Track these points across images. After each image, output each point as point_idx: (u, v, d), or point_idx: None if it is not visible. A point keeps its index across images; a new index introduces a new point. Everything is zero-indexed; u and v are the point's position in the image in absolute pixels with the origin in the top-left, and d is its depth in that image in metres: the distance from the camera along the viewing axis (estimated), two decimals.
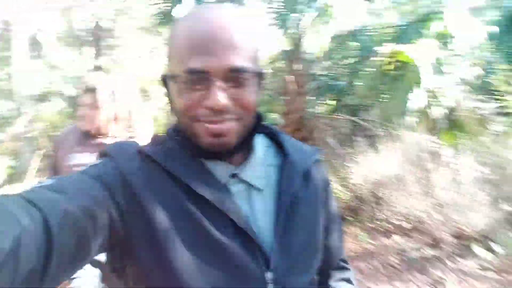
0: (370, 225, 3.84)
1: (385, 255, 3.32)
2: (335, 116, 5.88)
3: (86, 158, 1.57)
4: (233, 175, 0.60)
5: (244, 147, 0.61)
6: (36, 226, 0.41)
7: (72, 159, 1.59)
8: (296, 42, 5.32)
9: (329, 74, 5.93)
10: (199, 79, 0.53)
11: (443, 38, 3.51)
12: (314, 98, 6.20)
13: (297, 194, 0.62)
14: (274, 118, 8.93)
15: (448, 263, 3.05)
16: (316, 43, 5.11)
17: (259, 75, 0.58)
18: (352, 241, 3.62)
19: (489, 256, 3.01)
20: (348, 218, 3.98)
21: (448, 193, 3.60)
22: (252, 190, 0.61)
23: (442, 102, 3.60)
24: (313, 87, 6.07)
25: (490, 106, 3.98)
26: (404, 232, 3.60)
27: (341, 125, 5.65)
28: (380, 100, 4.09)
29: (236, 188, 0.60)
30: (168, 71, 0.58)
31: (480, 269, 2.92)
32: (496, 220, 3.34)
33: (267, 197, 0.62)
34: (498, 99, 4.02)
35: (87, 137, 1.61)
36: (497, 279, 2.77)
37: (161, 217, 0.53)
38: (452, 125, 4.19)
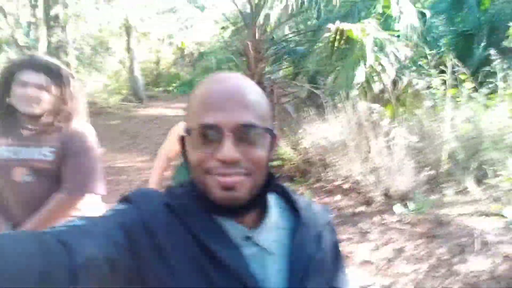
0: (315, 185, 4.35)
1: None
2: (292, 83, 6.19)
3: (15, 152, 1.47)
4: (247, 237, 0.62)
5: (256, 205, 0.63)
6: (63, 267, 0.44)
7: None
8: (257, 7, 5.44)
9: (288, 39, 6.15)
10: (212, 133, 0.57)
11: (386, 19, 3.87)
12: (273, 63, 6.44)
13: (310, 257, 0.64)
14: None
15: (375, 218, 3.63)
16: (275, 11, 5.27)
17: (271, 134, 0.61)
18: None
19: (406, 212, 3.61)
20: (296, 179, 4.47)
21: (383, 158, 4.15)
22: (265, 254, 0.62)
23: (382, 78, 4.03)
24: (272, 52, 6.29)
25: (423, 83, 4.49)
26: (343, 192, 4.14)
27: (297, 91, 5.99)
28: (330, 72, 4.47)
29: (249, 250, 0.61)
30: (185, 128, 0.62)
31: (399, 223, 3.52)
32: (417, 182, 3.95)
33: (280, 261, 0.63)
34: (430, 76, 4.52)
35: (18, 125, 1.48)
36: (410, 231, 3.38)
37: (178, 271, 0.55)
38: (391, 98, 4.70)
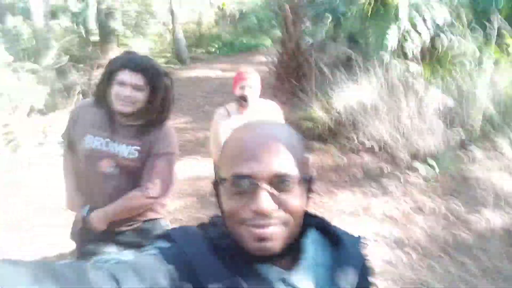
0: (346, 146, 4.58)
1: (352, 169, 4.11)
2: (330, 45, 6.22)
3: (105, 144, 1.54)
4: (284, 280, 0.61)
5: (291, 251, 0.62)
6: None
7: (89, 142, 1.55)
8: None
9: (325, 2, 6.12)
10: (246, 184, 0.56)
11: None
12: (312, 25, 6.47)
13: None
14: (265, 45, 9.06)
15: (400, 176, 3.83)
16: None
17: (306, 181, 0.60)
18: (328, 157, 4.40)
19: (431, 171, 3.78)
20: (327, 139, 4.71)
21: (413, 120, 4.25)
22: None
23: (417, 40, 4.03)
24: (310, 14, 6.31)
25: (462, 46, 4.41)
26: (371, 152, 4.33)
27: (334, 53, 6.04)
28: (366, 35, 4.50)
29: None
30: (218, 176, 0.62)
31: (423, 181, 3.71)
32: (446, 143, 4.05)
33: None
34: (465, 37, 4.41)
35: (112, 119, 1.54)
36: (433, 188, 3.57)
37: None
38: (429, 60, 4.67)
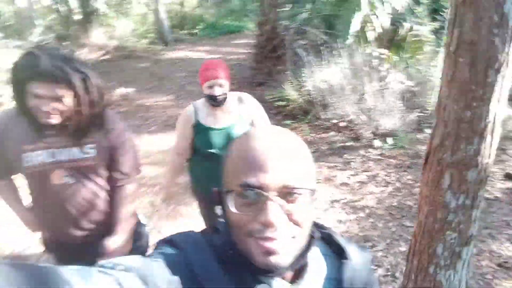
0: (315, 123, 4.95)
1: (320, 144, 4.50)
2: (304, 29, 6.51)
3: (51, 155, 1.40)
4: None
5: (297, 264, 0.60)
6: None
7: (29, 160, 1.39)
8: None
9: None
10: (254, 195, 0.54)
11: None
12: (287, 10, 6.72)
13: None
14: (248, 28, 9.28)
15: (360, 151, 4.24)
16: None
17: (312, 192, 0.58)
18: (298, 133, 4.77)
19: (386, 146, 4.19)
20: (298, 117, 5.08)
21: (375, 100, 4.64)
22: None
23: (379, 25, 4.37)
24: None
25: (423, 30, 4.78)
26: (338, 129, 4.72)
27: (308, 37, 6.33)
28: (332, 21, 4.82)
29: None
30: (224, 186, 0.60)
31: (380, 155, 4.12)
32: (404, 122, 4.46)
33: None
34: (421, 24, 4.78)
35: (46, 128, 1.36)
36: (388, 162, 3.99)
37: None
38: (392, 44, 5.04)
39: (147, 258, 0.57)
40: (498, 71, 1.18)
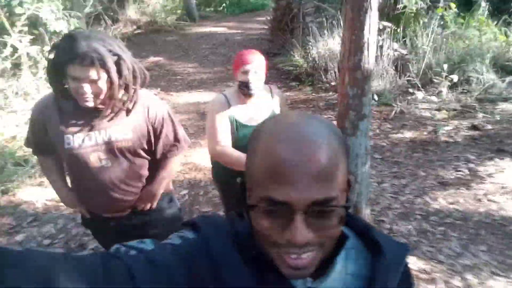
0: (317, 85, 5.72)
1: (318, 101, 5.29)
2: (314, 3, 7.16)
3: (88, 138, 1.43)
4: None
5: (324, 265, 0.57)
6: None
7: (70, 142, 1.42)
8: None
9: None
10: (281, 210, 0.49)
11: None
12: None
13: None
14: (271, 5, 9.96)
15: None
16: None
17: (345, 206, 0.52)
18: (302, 93, 5.56)
19: (373, 103, 4.93)
20: (303, 80, 5.86)
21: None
22: None
23: None
24: None
25: (418, 5, 5.38)
26: (335, 90, 5.45)
27: (318, 11, 6.99)
28: None
29: None
30: (248, 190, 0.55)
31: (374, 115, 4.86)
32: (394, 85, 5.15)
33: None
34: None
35: (84, 110, 1.38)
36: (374, 114, 4.73)
37: None
38: (392, 16, 5.67)
39: (162, 242, 0.57)
40: (365, 12, 1.99)
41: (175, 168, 1.73)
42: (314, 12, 7.09)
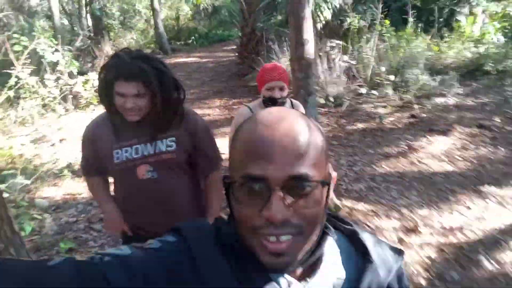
0: None
1: None
2: (277, 28, 8.23)
3: (135, 152, 1.48)
4: None
5: (309, 262, 0.56)
6: None
7: (119, 156, 1.48)
8: None
9: None
10: (258, 186, 0.50)
11: None
12: (263, 15, 8.47)
13: None
14: (236, 35, 11.03)
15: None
16: None
17: (324, 184, 0.52)
18: None
19: (329, 104, 5.86)
20: None
21: (327, 75, 6.30)
22: None
23: (322, 19, 6.08)
24: (262, 6, 8.29)
25: (361, 23, 6.49)
26: None
27: (279, 34, 8.05)
28: None
29: None
30: (231, 183, 0.54)
31: (327, 110, 5.77)
32: (347, 90, 6.12)
33: None
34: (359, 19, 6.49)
35: (131, 124, 1.44)
36: (331, 113, 5.63)
37: None
38: (340, 35, 6.76)
39: (141, 247, 0.55)
40: (303, 19, 2.88)
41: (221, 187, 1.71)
42: (275, 35, 8.15)
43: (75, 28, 11.45)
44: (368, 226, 2.99)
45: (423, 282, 2.34)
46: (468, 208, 3.12)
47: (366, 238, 0.63)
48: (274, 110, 0.56)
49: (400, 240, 2.77)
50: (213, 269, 0.53)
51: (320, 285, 0.57)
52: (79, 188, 3.82)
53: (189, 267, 0.53)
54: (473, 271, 2.40)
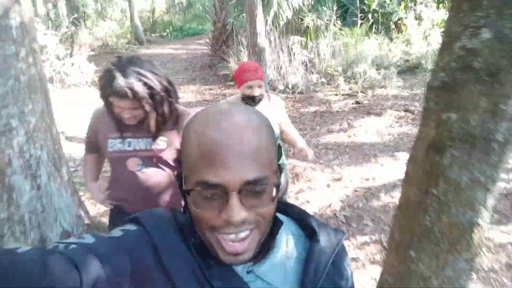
0: None
1: None
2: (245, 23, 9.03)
3: (128, 144, 1.61)
4: (251, 271, 0.60)
5: (265, 247, 0.59)
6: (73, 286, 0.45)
7: (112, 146, 1.61)
8: None
9: None
10: (216, 192, 0.51)
11: None
12: (233, 11, 9.26)
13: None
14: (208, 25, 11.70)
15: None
16: None
17: (276, 185, 0.55)
18: (235, 88, 7.28)
19: (289, 91, 6.77)
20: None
21: (288, 67, 7.21)
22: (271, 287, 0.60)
23: (284, 18, 6.98)
24: (232, 3, 9.08)
25: (317, 22, 7.44)
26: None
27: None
28: None
29: (255, 285, 0.59)
30: (184, 178, 0.56)
31: (287, 96, 6.67)
32: (304, 80, 7.05)
33: None
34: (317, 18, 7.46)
35: (124, 125, 1.57)
36: (291, 99, 6.53)
37: None
38: (301, 31, 7.69)
39: (103, 236, 0.56)
40: (256, 15, 3.73)
41: None
42: (244, 29, 8.97)
43: (52, 16, 11.78)
44: (307, 177, 3.90)
45: (338, 208, 3.28)
46: (382, 165, 4.10)
47: (313, 221, 0.67)
48: (224, 109, 0.55)
49: (328, 185, 3.70)
50: (173, 254, 0.55)
51: (273, 265, 0.61)
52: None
53: (150, 254, 0.55)
54: (373, 202, 3.36)
